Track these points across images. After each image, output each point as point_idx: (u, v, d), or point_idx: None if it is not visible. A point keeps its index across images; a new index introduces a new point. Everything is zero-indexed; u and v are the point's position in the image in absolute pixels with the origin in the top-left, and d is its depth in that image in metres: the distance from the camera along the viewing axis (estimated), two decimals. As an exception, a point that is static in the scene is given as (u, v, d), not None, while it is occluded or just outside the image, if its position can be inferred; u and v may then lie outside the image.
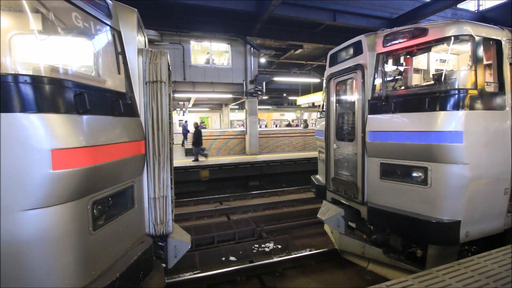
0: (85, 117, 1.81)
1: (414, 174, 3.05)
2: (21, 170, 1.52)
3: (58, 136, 1.61)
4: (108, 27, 2.33)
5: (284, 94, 25.30)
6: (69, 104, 1.73)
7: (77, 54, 2.61)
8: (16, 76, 1.54)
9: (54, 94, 1.68)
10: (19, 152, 1.51)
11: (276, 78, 15.79)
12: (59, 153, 1.59)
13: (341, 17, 11.06)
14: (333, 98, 4.36)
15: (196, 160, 10.99)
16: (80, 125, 1.77)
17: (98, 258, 1.96)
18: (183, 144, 16.48)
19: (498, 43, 3.11)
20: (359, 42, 3.68)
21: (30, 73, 1.69)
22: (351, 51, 3.90)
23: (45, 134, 1.56)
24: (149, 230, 2.70)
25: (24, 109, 1.53)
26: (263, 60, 15.58)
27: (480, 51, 2.96)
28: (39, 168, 1.54)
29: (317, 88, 18.58)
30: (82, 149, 1.72)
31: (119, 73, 2.40)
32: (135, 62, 2.58)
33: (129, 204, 2.43)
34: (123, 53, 2.46)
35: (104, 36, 2.35)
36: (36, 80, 1.61)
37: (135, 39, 2.60)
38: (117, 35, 2.43)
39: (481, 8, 13.25)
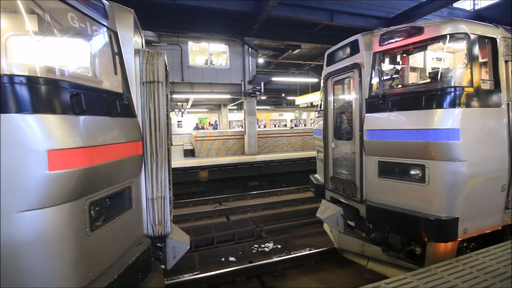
0: (81, 117, 1.80)
1: (412, 172, 3.06)
2: (17, 171, 1.51)
3: (55, 136, 1.60)
4: (104, 28, 2.33)
5: (283, 94, 25.33)
6: (66, 104, 1.72)
7: (73, 55, 2.61)
8: (11, 77, 1.53)
9: (50, 94, 1.67)
10: (15, 153, 1.50)
11: (274, 78, 15.82)
12: (56, 154, 1.59)
13: (338, 17, 11.10)
14: (331, 97, 4.37)
15: None
16: (77, 126, 1.76)
17: (95, 259, 1.95)
18: None
19: (493, 41, 3.13)
20: (356, 41, 3.69)
21: (26, 74, 1.68)
22: (348, 50, 3.91)
23: (41, 135, 1.55)
24: (148, 231, 2.69)
25: (20, 109, 1.52)
26: (261, 60, 15.61)
27: (476, 49, 2.97)
28: (35, 169, 1.54)
29: (315, 88, 18.60)
30: (79, 150, 1.72)
31: (116, 73, 2.40)
32: (132, 63, 2.57)
33: (126, 205, 2.42)
34: (119, 53, 2.46)
35: (101, 37, 2.34)
36: (32, 81, 1.60)
37: (132, 40, 2.60)
38: (113, 36, 2.42)
39: (476, 7, 13.33)
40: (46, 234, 1.62)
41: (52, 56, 2.12)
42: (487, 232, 3.09)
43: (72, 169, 1.67)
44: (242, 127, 14.43)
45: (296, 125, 23.64)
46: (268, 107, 26.30)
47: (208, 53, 12.32)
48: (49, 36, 2.17)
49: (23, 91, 1.56)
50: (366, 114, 3.48)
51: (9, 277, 1.56)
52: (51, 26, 2.13)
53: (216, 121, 23.12)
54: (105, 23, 2.31)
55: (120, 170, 2.25)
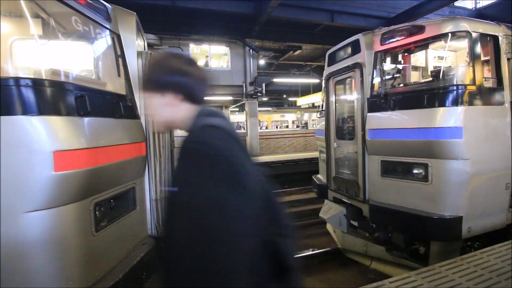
0: (86, 119, 1.83)
1: (415, 171, 3.05)
2: (23, 172, 1.53)
3: (60, 138, 1.62)
4: (107, 31, 2.36)
5: (284, 96, 25.35)
6: (70, 106, 1.75)
7: (77, 58, 2.64)
8: (17, 79, 1.56)
9: (55, 96, 1.70)
10: (21, 154, 1.52)
11: (275, 80, 15.84)
12: (61, 155, 1.61)
13: (339, 17, 11.10)
14: (333, 97, 4.37)
15: None
16: (81, 127, 1.79)
17: (101, 259, 1.97)
18: None
19: (495, 38, 3.12)
20: (357, 41, 3.70)
21: (32, 76, 1.71)
22: (349, 50, 3.92)
23: (46, 136, 1.58)
24: (152, 231, 2.71)
25: (26, 111, 1.55)
26: (262, 61, 15.64)
27: (478, 47, 2.97)
28: (41, 170, 1.56)
29: (316, 88, 18.59)
30: (84, 151, 1.74)
31: (119, 75, 2.43)
32: (134, 65, 2.61)
33: (131, 206, 2.44)
34: (122, 56, 2.49)
35: (104, 40, 2.38)
36: (37, 83, 1.63)
37: (135, 42, 2.63)
38: (116, 38, 2.46)
39: (478, 6, 13.29)
40: (52, 234, 1.64)
41: (56, 59, 2.15)
42: (491, 231, 3.07)
43: (77, 169, 1.69)
44: (244, 129, 14.46)
45: (306, 124, 22.69)
46: (270, 109, 26.29)
47: (209, 55, 12.37)
48: (54, 40, 2.20)
49: (28, 94, 1.58)
50: (368, 114, 3.47)
51: (16, 277, 1.58)
52: (55, 30, 2.16)
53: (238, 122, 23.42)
54: (108, 26, 2.34)
55: (124, 171, 2.27)
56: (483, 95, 2.93)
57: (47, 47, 2.13)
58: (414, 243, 3.44)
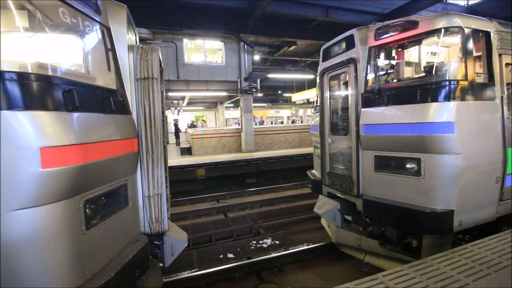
0: (74, 114, 1.77)
1: (408, 166, 3.08)
2: (9, 169, 1.48)
3: (47, 133, 1.57)
4: (97, 23, 2.29)
5: (279, 91, 25.31)
6: (58, 101, 1.70)
7: (65, 51, 2.57)
8: (1, 73, 1.50)
9: (41, 91, 1.64)
10: (6, 151, 1.47)
11: (270, 75, 15.78)
12: (49, 151, 1.56)
13: (334, 13, 11.08)
14: (327, 93, 4.37)
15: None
16: (70, 123, 1.74)
17: (92, 257, 1.93)
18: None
19: (487, 34, 3.14)
20: (351, 36, 3.69)
21: (17, 70, 1.65)
22: (343, 45, 3.91)
23: (33, 132, 1.53)
24: (145, 228, 2.67)
25: (11, 106, 1.49)
26: (257, 57, 15.55)
27: (470, 43, 2.99)
28: (28, 167, 1.51)
29: (311, 84, 18.63)
30: (72, 147, 1.69)
31: (109, 70, 2.36)
32: (125, 59, 2.54)
33: (123, 203, 2.40)
34: (113, 49, 2.42)
35: (93, 33, 2.30)
36: (23, 77, 1.57)
37: (125, 35, 2.56)
38: (106, 32, 2.39)
39: (470, 3, 13.41)
40: (41, 233, 1.60)
41: (43, 52, 2.09)
42: (482, 224, 3.13)
43: (66, 166, 1.65)
44: (239, 125, 14.40)
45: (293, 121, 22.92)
46: (265, 104, 26.28)
47: (203, 50, 12.23)
48: (40, 32, 2.13)
49: (14, 88, 1.53)
50: (362, 109, 3.48)
51: (4, 277, 1.54)
52: (42, 22, 2.09)
53: (193, 121, 23.16)
54: (97, 19, 2.27)
55: (115, 168, 2.23)
56: (475, 90, 2.96)
57: (34, 40, 2.06)
58: (406, 236, 3.50)
